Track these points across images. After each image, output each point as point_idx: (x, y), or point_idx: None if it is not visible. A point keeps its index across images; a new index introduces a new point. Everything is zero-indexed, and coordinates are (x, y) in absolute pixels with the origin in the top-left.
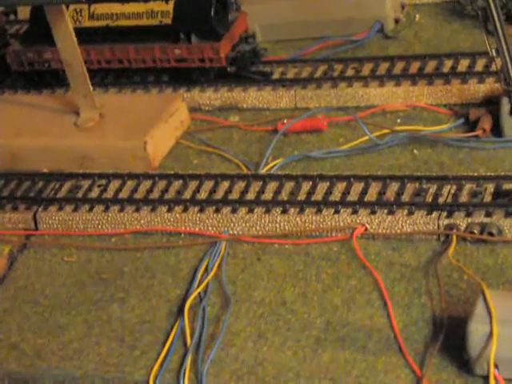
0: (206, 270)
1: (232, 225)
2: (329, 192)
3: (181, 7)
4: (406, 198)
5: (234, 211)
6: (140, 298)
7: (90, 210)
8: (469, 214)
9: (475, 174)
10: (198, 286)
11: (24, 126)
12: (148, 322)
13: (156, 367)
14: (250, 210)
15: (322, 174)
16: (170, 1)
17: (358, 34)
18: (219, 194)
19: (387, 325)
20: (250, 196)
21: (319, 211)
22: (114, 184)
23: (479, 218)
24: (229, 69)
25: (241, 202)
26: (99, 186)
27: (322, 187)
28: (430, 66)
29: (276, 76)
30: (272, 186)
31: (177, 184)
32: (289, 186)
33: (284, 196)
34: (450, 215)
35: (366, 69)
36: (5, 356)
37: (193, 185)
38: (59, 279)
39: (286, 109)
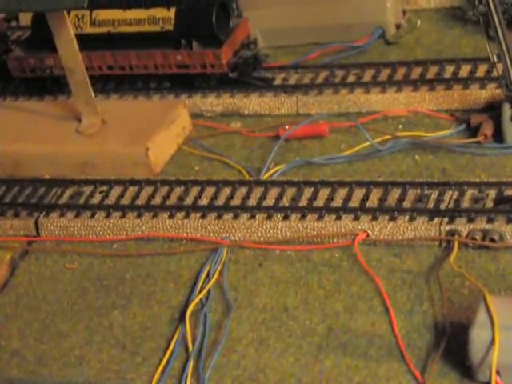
0: (208, 277)
1: (233, 231)
2: (330, 198)
3: (182, 14)
4: (407, 204)
5: (235, 217)
6: (141, 305)
7: (92, 216)
8: (471, 220)
9: (477, 180)
10: (200, 293)
11: (25, 132)
12: (149, 328)
13: (157, 374)
14: (252, 216)
15: (323, 180)
16: (172, 7)
17: (359, 39)
18: (221, 200)
19: (389, 331)
20: (252, 202)
21: (321, 217)
22: (116, 190)
23: (481, 224)
24: (230, 75)
25: (242, 208)
26: (101, 192)
27: (324, 193)
28: (432, 71)
29: (278, 82)
30: (273, 192)
31: (178, 190)
32: (290, 192)
33: (285, 202)
34: (451, 221)
35: (368, 75)
36: (6, 362)
37: (194, 191)
38: (61, 286)
39: (287, 115)
